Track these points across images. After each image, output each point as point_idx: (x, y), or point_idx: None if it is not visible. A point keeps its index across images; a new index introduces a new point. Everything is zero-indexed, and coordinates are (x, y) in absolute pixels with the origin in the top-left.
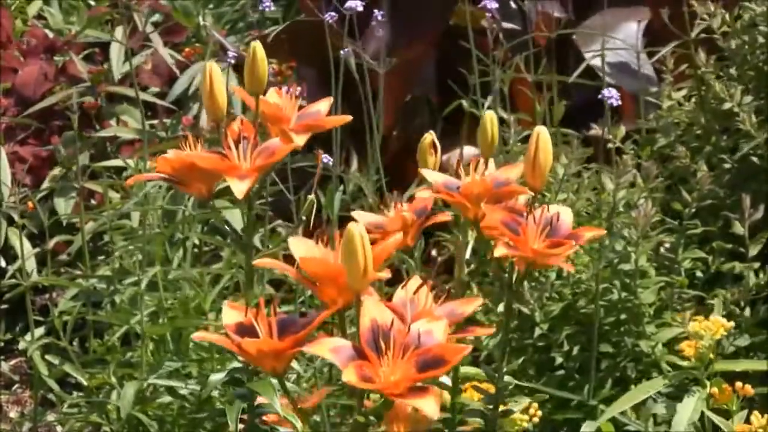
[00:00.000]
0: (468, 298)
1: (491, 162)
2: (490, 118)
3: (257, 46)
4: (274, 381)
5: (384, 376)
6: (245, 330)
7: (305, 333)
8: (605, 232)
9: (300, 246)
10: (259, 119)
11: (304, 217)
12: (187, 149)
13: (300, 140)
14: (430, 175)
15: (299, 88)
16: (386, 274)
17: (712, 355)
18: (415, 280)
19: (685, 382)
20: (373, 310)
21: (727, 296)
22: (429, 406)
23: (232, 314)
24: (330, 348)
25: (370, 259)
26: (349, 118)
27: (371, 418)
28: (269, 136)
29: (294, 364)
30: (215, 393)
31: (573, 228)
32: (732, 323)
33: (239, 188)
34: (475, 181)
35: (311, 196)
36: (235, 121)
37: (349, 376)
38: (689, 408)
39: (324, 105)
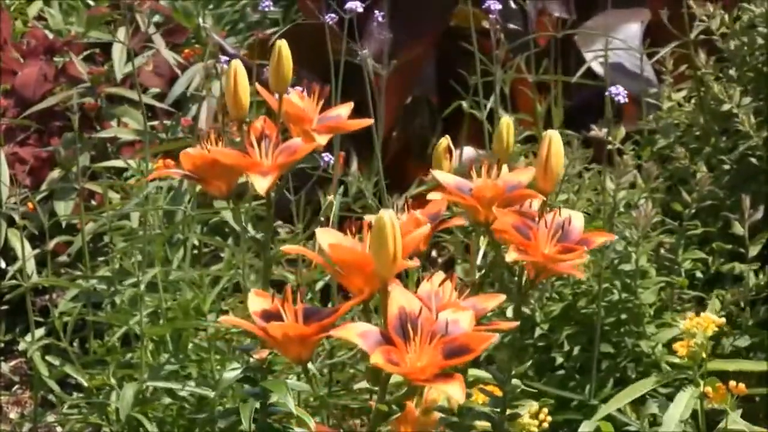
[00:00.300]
0: (490, 294)
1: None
2: (507, 124)
3: (282, 45)
4: (289, 381)
5: (410, 362)
6: (271, 316)
7: (332, 319)
8: (615, 237)
9: (327, 236)
10: (282, 119)
11: (323, 218)
12: (209, 147)
13: (322, 140)
14: (442, 176)
15: (322, 90)
16: (415, 263)
17: (704, 354)
18: (439, 275)
19: (684, 382)
20: (401, 298)
21: (726, 297)
22: (455, 391)
23: (258, 301)
24: (358, 333)
25: (399, 247)
26: (370, 121)
27: (393, 407)
28: (289, 136)
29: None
30: (213, 394)
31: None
32: (723, 320)
33: (261, 184)
34: (487, 185)
35: (330, 197)
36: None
37: (377, 359)
38: (680, 406)
39: (344, 110)
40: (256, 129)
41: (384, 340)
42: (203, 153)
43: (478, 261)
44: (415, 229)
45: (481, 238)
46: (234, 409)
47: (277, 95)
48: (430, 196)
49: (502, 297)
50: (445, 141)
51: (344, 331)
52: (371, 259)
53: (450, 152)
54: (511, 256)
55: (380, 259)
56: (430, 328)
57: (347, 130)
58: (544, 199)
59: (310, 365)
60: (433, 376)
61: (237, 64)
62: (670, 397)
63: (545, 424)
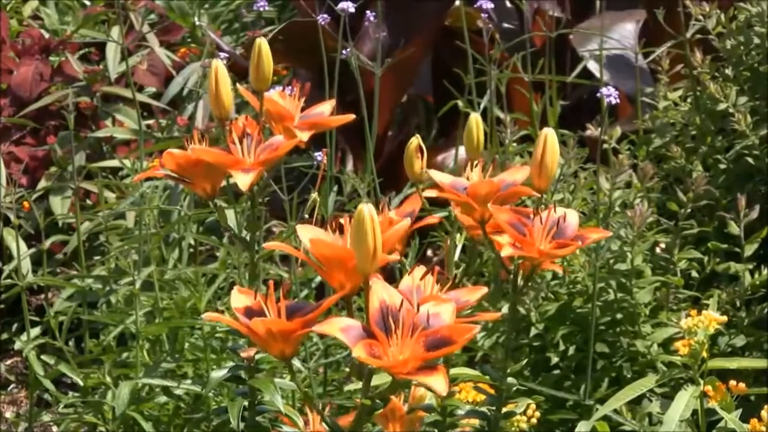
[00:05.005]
0: (473, 287)
1: (489, 163)
2: (475, 120)
3: (262, 42)
4: (277, 380)
5: (393, 356)
6: (254, 313)
7: (315, 315)
8: (610, 234)
9: (308, 231)
10: (263, 117)
11: (306, 215)
12: (191, 147)
13: (304, 135)
14: (438, 175)
15: (303, 87)
16: (396, 257)
17: (705, 353)
18: (421, 269)
19: (680, 382)
20: (382, 292)
21: (722, 296)
22: (438, 384)
23: (241, 298)
24: (340, 327)
25: (380, 242)
26: (351, 117)
27: (377, 401)
28: (272, 135)
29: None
30: (210, 393)
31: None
32: (725, 317)
33: (243, 181)
34: (482, 182)
35: (314, 194)
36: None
37: (359, 352)
38: (681, 405)
39: (327, 107)
40: (238, 128)
41: (366, 334)
42: (187, 152)
43: (456, 257)
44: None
45: (458, 234)
46: (226, 407)
47: (258, 93)
48: (425, 194)
49: (484, 290)
50: (416, 140)
51: (326, 326)
52: (352, 254)
53: (421, 151)
54: (506, 251)
55: (360, 253)
56: (412, 321)
57: (329, 126)
58: (540, 196)
59: (299, 364)
60: (416, 369)
61: (218, 64)
62: (666, 397)
63: (534, 420)
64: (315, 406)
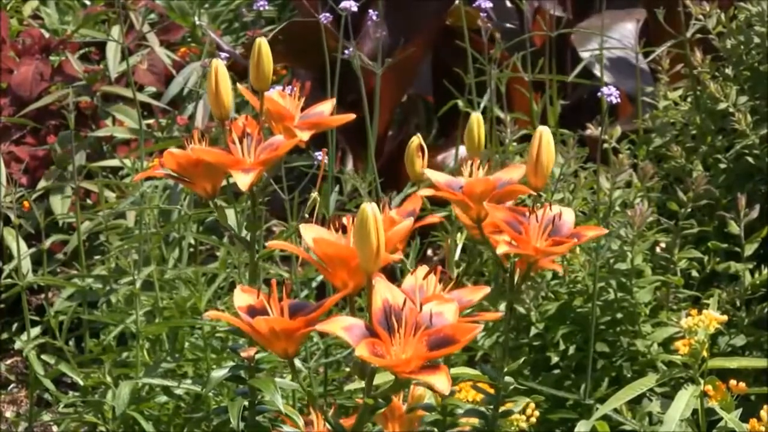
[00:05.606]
0: (475, 287)
1: (485, 162)
2: (476, 119)
3: (262, 42)
4: (278, 379)
5: (395, 354)
6: (257, 312)
7: (317, 314)
8: (606, 231)
9: (311, 230)
10: (264, 116)
11: (307, 215)
12: (191, 147)
13: (304, 135)
14: (433, 174)
15: (303, 86)
16: (399, 256)
17: (705, 353)
18: (423, 268)
19: (680, 381)
20: (385, 291)
21: (722, 296)
22: (440, 383)
23: (244, 297)
24: (343, 326)
25: (383, 241)
26: (352, 116)
27: (380, 401)
28: (272, 134)
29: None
30: (210, 393)
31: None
32: (725, 317)
33: (243, 181)
34: (478, 180)
35: (314, 194)
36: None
37: (362, 351)
38: (681, 404)
39: (327, 106)
40: (238, 127)
41: (369, 333)
42: (187, 152)
43: (456, 256)
44: (390, 228)
45: (458, 234)
46: (226, 407)
47: (258, 93)
48: (421, 193)
49: (487, 289)
50: (417, 140)
51: (329, 325)
52: (355, 253)
53: (422, 150)
54: (501, 249)
55: (364, 252)
56: (415, 320)
57: (330, 126)
58: (535, 194)
59: (299, 363)
60: (418, 368)
61: (218, 64)
62: (666, 397)
63: (533, 419)
64: (319, 406)
